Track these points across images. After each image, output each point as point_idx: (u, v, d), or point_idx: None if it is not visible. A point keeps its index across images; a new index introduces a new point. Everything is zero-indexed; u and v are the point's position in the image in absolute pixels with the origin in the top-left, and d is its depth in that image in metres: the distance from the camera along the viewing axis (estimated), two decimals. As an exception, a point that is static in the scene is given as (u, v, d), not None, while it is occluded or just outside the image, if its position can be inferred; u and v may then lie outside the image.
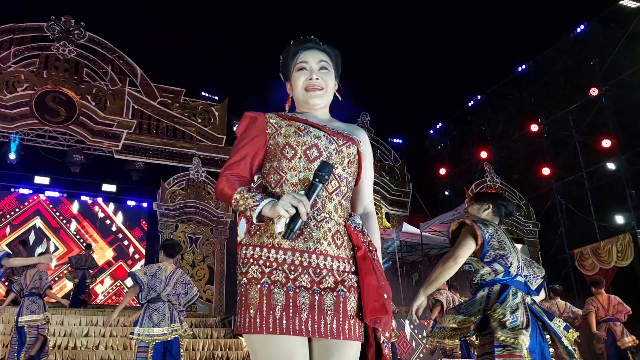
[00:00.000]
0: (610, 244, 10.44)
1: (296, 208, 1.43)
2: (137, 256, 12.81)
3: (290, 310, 1.46)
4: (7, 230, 11.92)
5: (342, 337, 1.48)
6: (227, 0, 13.29)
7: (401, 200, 13.18)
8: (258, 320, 1.45)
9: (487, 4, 12.38)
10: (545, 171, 11.93)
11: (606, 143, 11.06)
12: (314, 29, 13.02)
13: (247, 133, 1.67)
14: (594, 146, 11.25)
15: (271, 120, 1.68)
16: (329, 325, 1.47)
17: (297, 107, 1.77)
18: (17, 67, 10.85)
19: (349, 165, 1.66)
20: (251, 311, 1.47)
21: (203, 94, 12.55)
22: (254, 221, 1.51)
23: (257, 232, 1.57)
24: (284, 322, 1.45)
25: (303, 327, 1.46)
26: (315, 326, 1.46)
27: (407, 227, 11.78)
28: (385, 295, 1.52)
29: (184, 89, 12.06)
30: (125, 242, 12.91)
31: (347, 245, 1.59)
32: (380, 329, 1.56)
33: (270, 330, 1.44)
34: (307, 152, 1.60)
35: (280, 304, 1.46)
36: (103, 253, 12.56)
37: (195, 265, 11.12)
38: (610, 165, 11.29)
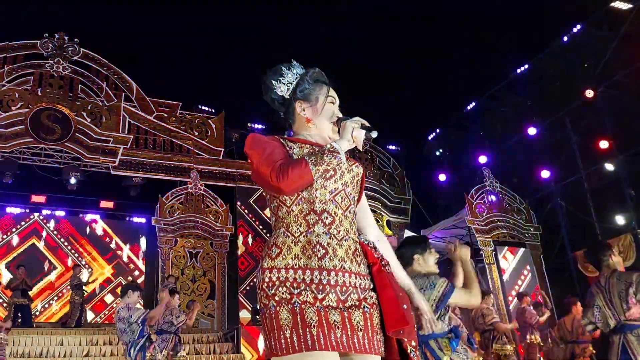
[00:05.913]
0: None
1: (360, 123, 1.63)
2: (136, 272, 12.68)
3: (325, 328, 1.47)
4: (5, 250, 11.77)
5: (374, 352, 1.52)
6: (222, 13, 13.29)
7: (402, 207, 13.14)
8: (295, 339, 1.46)
9: (478, 9, 12.44)
10: (545, 174, 11.92)
11: (604, 144, 11.08)
12: (310, 40, 13.04)
13: (272, 143, 1.65)
14: (592, 147, 11.26)
15: (282, 140, 1.72)
16: (361, 341, 1.51)
17: (302, 130, 1.78)
18: (11, 86, 10.76)
19: (357, 185, 1.72)
20: (286, 332, 1.47)
21: (199, 107, 12.47)
22: (343, 157, 1.58)
23: (280, 255, 1.57)
24: (322, 338, 1.45)
25: (339, 342, 1.47)
26: (351, 342, 1.49)
27: (408, 234, 11.72)
28: (405, 306, 1.57)
29: (180, 103, 11.95)
30: (125, 259, 12.78)
31: (364, 262, 1.63)
32: (406, 339, 1.59)
33: (310, 347, 1.44)
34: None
35: (314, 322, 1.47)
36: (102, 271, 12.43)
37: (196, 280, 11.01)
38: (609, 166, 11.30)
